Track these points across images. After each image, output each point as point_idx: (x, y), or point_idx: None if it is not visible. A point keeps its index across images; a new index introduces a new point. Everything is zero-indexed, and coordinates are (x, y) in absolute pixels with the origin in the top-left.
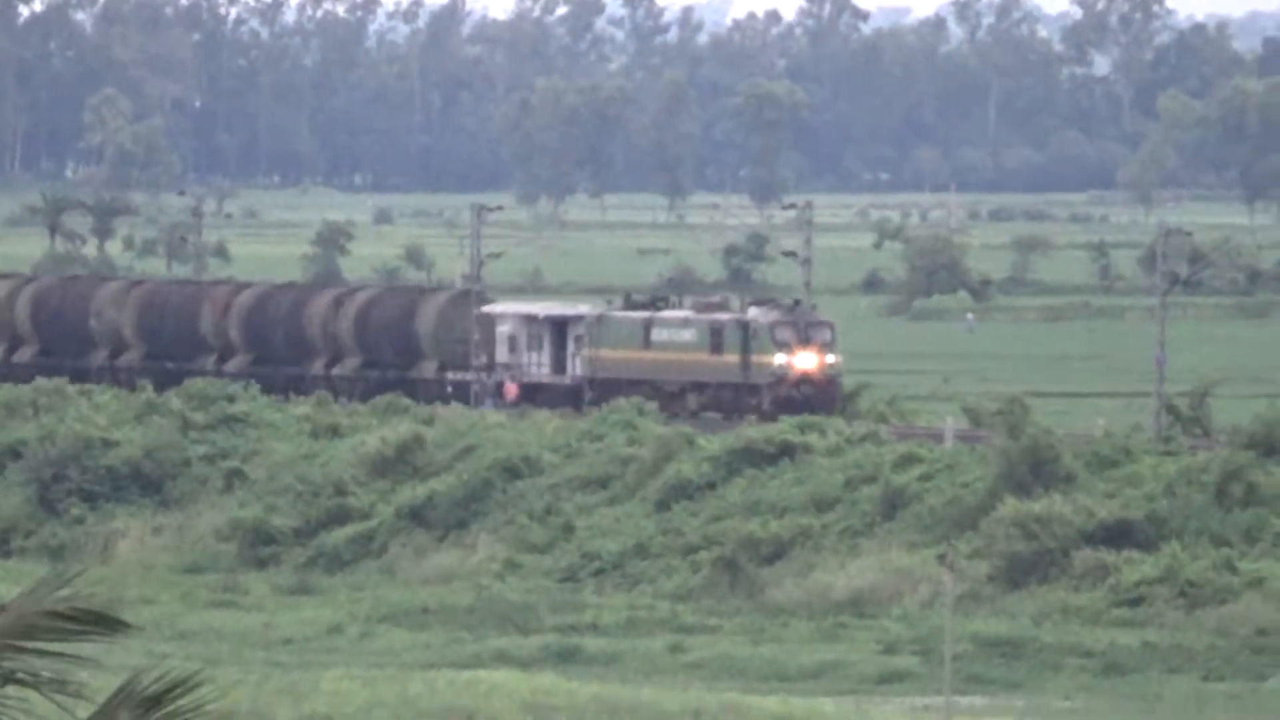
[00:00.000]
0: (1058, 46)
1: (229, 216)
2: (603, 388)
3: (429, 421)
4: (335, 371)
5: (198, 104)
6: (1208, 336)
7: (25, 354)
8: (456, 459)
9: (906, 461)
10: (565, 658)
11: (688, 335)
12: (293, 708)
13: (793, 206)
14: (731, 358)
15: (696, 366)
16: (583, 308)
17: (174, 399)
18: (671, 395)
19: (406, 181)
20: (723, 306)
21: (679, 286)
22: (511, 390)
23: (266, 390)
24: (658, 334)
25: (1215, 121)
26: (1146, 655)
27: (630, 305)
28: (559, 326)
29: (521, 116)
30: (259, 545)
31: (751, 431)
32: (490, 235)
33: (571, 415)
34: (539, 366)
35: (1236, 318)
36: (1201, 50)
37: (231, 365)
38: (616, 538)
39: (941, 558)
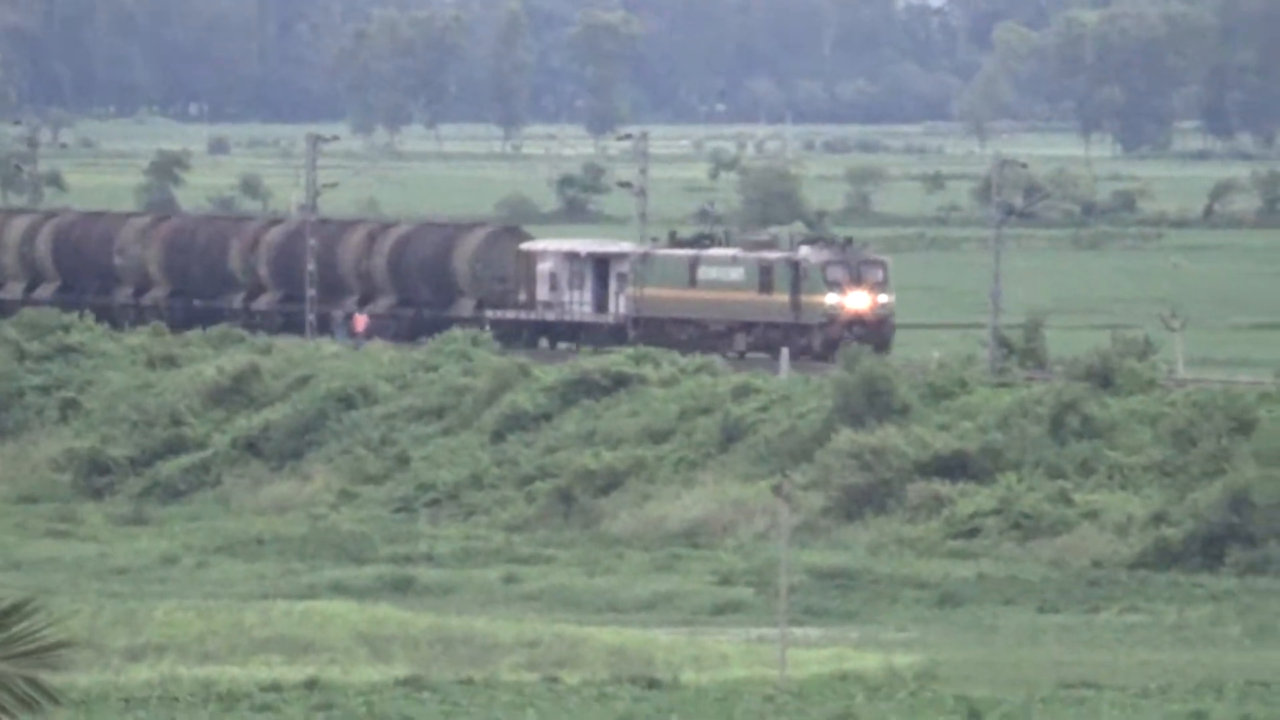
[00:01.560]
0: None
1: (64, 146)
2: (647, 327)
3: (266, 351)
4: (369, 310)
5: (34, 33)
6: (1042, 268)
7: (46, 291)
8: (292, 389)
9: (742, 392)
10: (400, 588)
11: (736, 274)
12: (127, 637)
13: (628, 137)
14: (781, 297)
15: (745, 306)
16: (625, 245)
17: (9, 328)
18: (718, 335)
19: (242, 111)
20: (772, 244)
21: (519, 216)
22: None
23: (297, 329)
24: (704, 272)
25: (1050, 53)
26: (981, 587)
27: (676, 243)
28: (601, 264)
29: (357, 46)
30: (94, 475)
31: (586, 362)
32: (325, 165)
33: (408, 346)
34: (581, 305)
35: (1071, 249)
36: None
37: (261, 303)
38: (451, 468)
39: (777, 489)
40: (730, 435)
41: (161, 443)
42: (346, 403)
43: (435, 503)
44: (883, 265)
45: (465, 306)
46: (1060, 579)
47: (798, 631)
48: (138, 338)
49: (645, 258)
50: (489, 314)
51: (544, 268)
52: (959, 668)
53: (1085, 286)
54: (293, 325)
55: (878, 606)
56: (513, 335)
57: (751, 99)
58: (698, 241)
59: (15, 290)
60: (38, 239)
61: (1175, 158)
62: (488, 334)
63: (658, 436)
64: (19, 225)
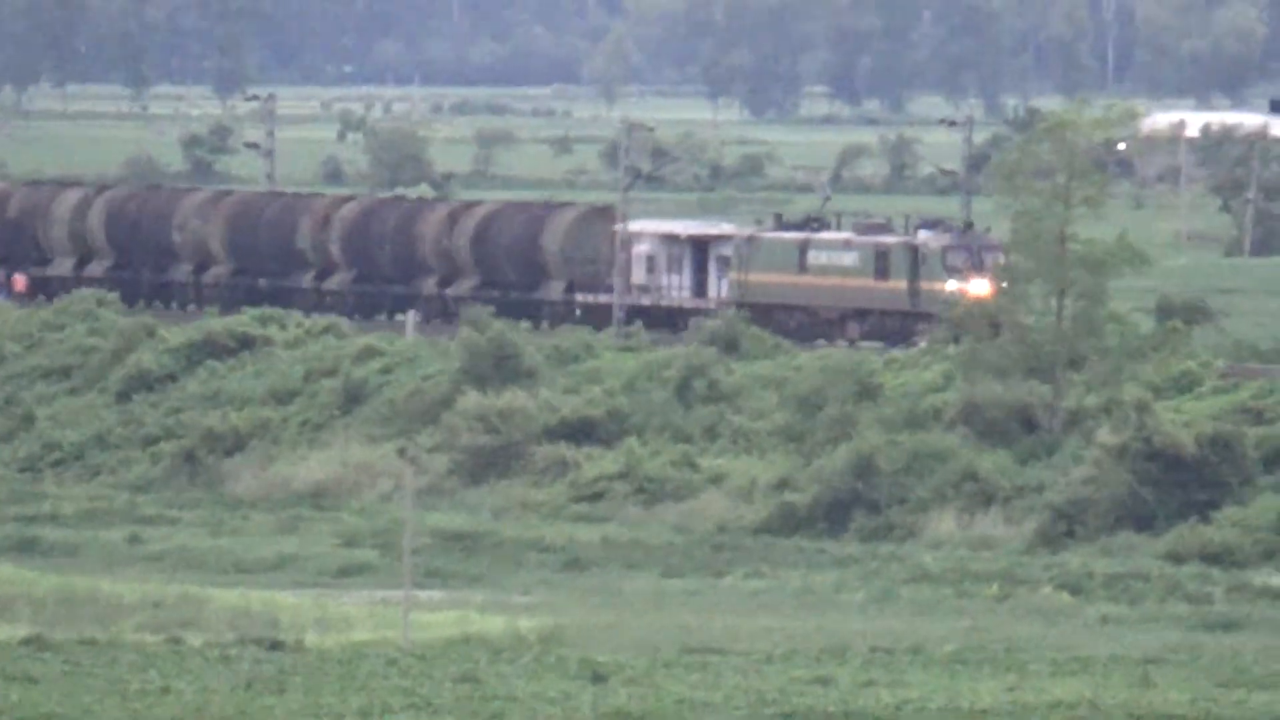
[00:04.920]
0: None
1: None
2: (752, 313)
3: None
4: (450, 292)
5: None
6: None
7: (98, 268)
8: None
9: (366, 354)
10: (24, 548)
11: (849, 259)
12: None
13: (256, 98)
14: (898, 284)
15: (859, 292)
16: (726, 226)
17: None
18: (830, 323)
19: None
20: (887, 228)
21: (146, 176)
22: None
23: (370, 311)
24: (815, 257)
25: (679, 16)
26: (606, 550)
27: (783, 225)
28: (701, 246)
29: None
30: None
31: (212, 323)
32: None
33: (43, 305)
34: (679, 289)
35: (698, 213)
36: None
37: (333, 282)
38: (77, 428)
39: (402, 451)
40: (354, 397)
41: None
42: None
43: (60, 463)
44: (1004, 251)
45: (554, 289)
46: (685, 543)
47: (422, 594)
48: None
49: (751, 240)
50: (579, 297)
51: (640, 250)
52: (584, 631)
53: None
54: (365, 308)
55: (503, 569)
56: (604, 320)
57: (380, 61)
58: (807, 224)
59: (65, 267)
60: (90, 213)
61: (803, 122)
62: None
63: (283, 398)
64: (70, 198)
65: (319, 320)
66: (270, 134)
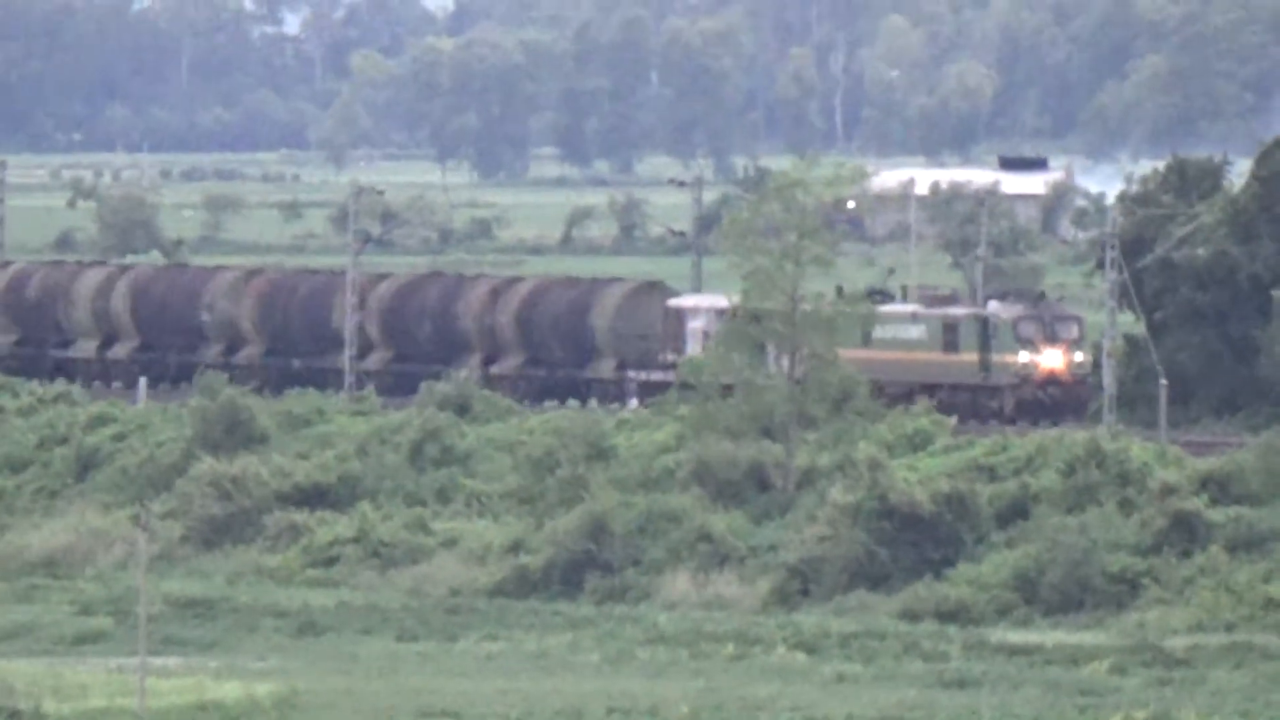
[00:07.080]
0: (248, 5)
1: None
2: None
3: None
4: (494, 370)
5: None
6: None
7: (123, 349)
8: None
9: (99, 422)
10: None
11: (916, 332)
12: None
13: None
14: (969, 357)
15: (927, 366)
16: None
17: None
18: (897, 398)
19: None
20: (953, 299)
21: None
22: None
23: (409, 390)
24: (881, 331)
25: (408, 80)
26: (341, 615)
27: (845, 299)
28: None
29: None
30: None
31: None
32: None
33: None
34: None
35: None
36: (393, 8)
37: (371, 361)
38: None
39: (136, 518)
40: (88, 464)
41: None
42: None
43: None
44: (1078, 321)
45: (604, 367)
46: (419, 607)
47: (157, 661)
48: None
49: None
50: (631, 375)
51: (695, 325)
52: (319, 696)
53: None
54: (403, 388)
55: (237, 636)
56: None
57: (109, 128)
58: (870, 296)
59: (89, 349)
60: (114, 293)
61: (532, 184)
62: None
63: (16, 466)
64: (92, 278)
65: (51, 388)
66: (0, 201)
